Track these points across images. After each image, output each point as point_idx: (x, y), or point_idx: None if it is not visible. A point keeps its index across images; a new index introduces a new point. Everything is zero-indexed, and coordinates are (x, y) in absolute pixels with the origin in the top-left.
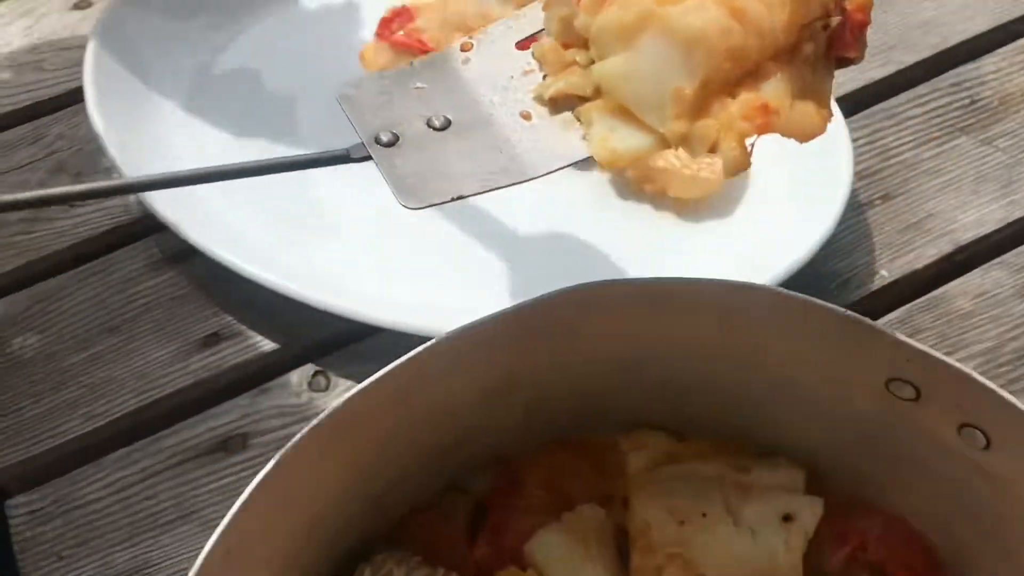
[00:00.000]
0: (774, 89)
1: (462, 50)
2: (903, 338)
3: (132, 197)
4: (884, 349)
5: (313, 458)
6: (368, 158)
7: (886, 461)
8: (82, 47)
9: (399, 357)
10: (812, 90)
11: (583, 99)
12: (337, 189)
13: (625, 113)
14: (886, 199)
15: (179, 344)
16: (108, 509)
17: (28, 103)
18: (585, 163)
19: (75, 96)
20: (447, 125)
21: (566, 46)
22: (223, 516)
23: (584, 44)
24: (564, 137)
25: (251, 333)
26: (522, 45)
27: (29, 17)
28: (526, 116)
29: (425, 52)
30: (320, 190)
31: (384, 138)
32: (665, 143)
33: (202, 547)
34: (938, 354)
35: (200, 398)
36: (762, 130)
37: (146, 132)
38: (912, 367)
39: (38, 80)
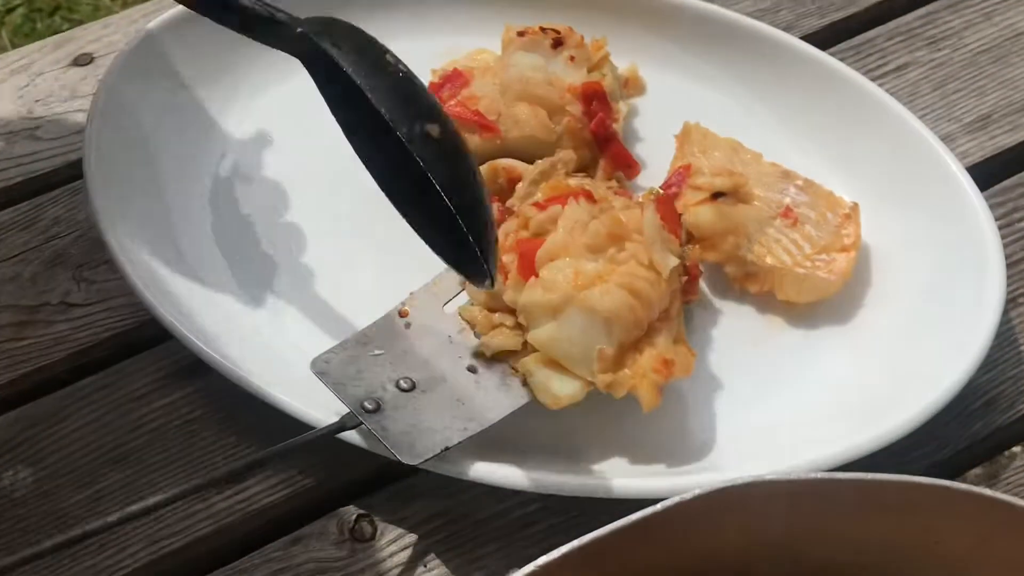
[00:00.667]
0: (664, 342)
1: (400, 316)
2: None
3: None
4: None
5: None
6: (361, 425)
7: None
8: (83, 111)
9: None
10: (679, 332)
11: (513, 352)
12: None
13: (556, 364)
14: None
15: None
16: None
17: (21, 179)
18: None
19: (75, 170)
20: (413, 386)
21: (491, 310)
22: None
23: (510, 311)
24: (506, 385)
25: (281, 468)
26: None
27: (23, 75)
28: (472, 370)
29: (483, 126)
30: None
31: (369, 406)
32: (591, 386)
33: None
34: None
35: (222, 549)
36: (667, 377)
37: (150, 223)
38: None
39: (33, 152)
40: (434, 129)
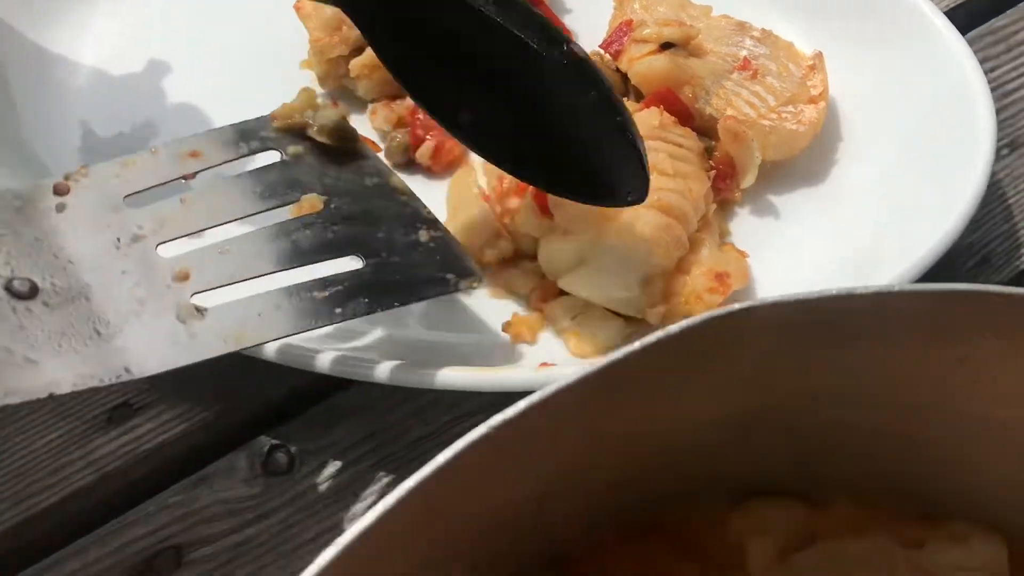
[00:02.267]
0: (710, 253)
1: (56, 192)
2: None
3: None
4: None
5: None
6: None
7: None
8: None
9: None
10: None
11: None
12: None
13: (585, 310)
14: (1014, 147)
15: (73, 424)
16: None
17: None
18: None
19: None
20: (33, 293)
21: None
22: None
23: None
24: (189, 336)
25: (175, 398)
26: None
27: None
28: (141, 302)
29: None
30: None
31: None
32: (633, 324)
33: None
34: None
35: (110, 499)
36: (724, 294)
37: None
38: None
39: None
40: (578, 49)
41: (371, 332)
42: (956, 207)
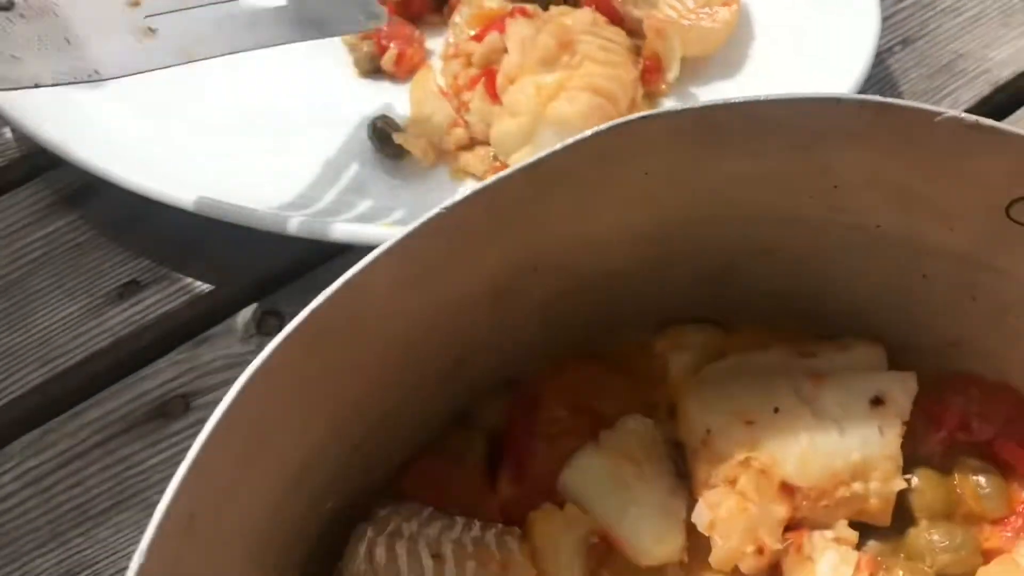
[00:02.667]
0: None
1: None
2: None
3: (8, 133)
4: (1011, 160)
5: (278, 391)
6: None
7: (987, 315)
8: None
9: None
10: None
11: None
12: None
13: None
14: (907, 43)
15: (88, 300)
16: (22, 506)
17: None
18: None
19: None
20: (10, 5)
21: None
22: None
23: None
24: (143, 46)
25: (178, 275)
26: None
27: None
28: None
29: None
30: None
31: None
32: None
33: None
34: None
35: (124, 360)
36: None
37: None
38: None
39: None
40: None
41: (337, 198)
42: (845, 81)
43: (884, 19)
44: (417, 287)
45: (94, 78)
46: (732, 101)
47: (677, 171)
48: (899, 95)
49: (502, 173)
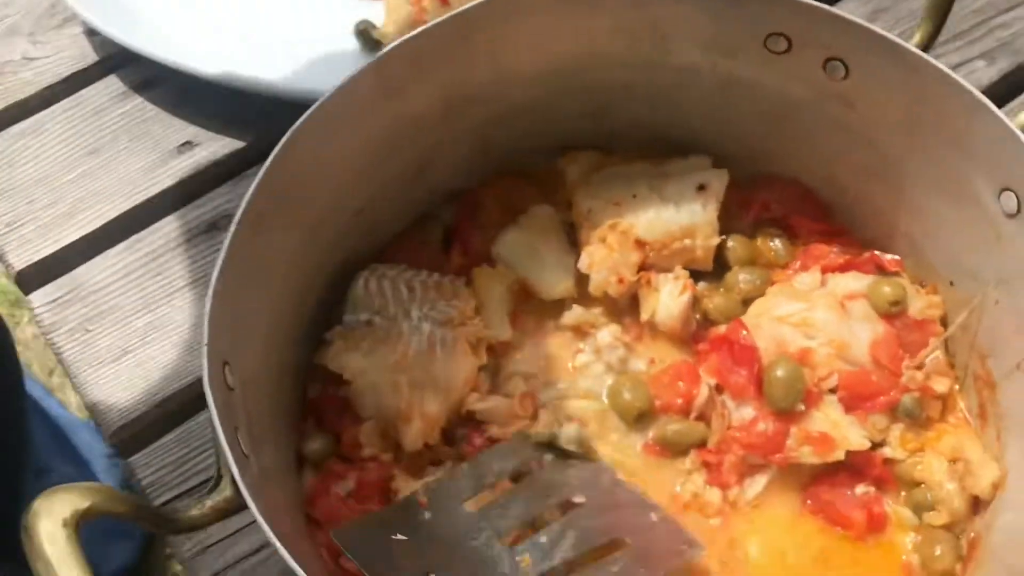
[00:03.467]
0: None
1: (419, 505)
2: None
3: (87, 44)
4: (760, 5)
5: (293, 168)
6: None
7: (773, 127)
8: None
9: None
10: None
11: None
12: None
13: None
14: None
15: (157, 155)
16: (122, 288)
17: None
18: None
19: None
20: None
21: None
22: None
23: None
24: None
25: (221, 137)
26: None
27: None
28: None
29: None
30: None
31: None
32: None
33: None
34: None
35: (185, 193)
36: None
37: None
38: (786, 17)
39: None
40: None
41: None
42: None
43: None
44: (385, 98)
45: None
46: None
47: (557, 26)
48: None
49: (435, 19)
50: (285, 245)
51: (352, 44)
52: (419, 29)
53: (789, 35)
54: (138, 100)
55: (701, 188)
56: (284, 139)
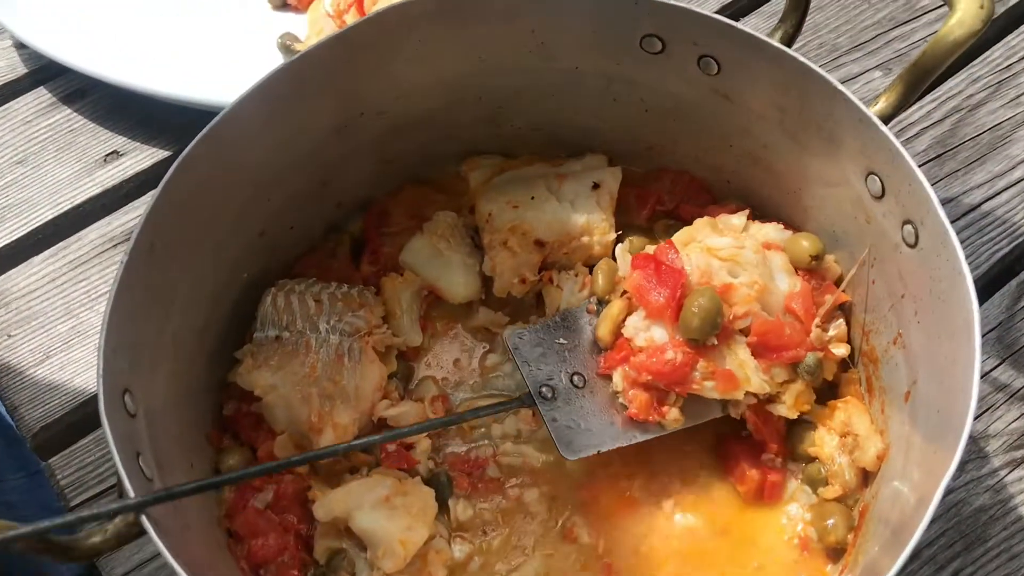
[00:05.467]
0: None
1: (588, 311)
2: None
3: (16, 56)
4: (631, 10)
5: (191, 186)
6: (535, 405)
7: (660, 123)
8: None
9: None
10: None
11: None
12: None
13: None
14: None
15: (82, 165)
16: (45, 295)
17: None
18: None
19: None
20: (584, 383)
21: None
22: None
23: None
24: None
25: (146, 146)
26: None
27: None
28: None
29: None
30: None
31: (546, 392)
32: None
33: None
34: (674, 2)
35: (109, 202)
36: None
37: None
38: (656, 20)
39: None
40: None
41: None
42: None
43: None
44: (274, 118)
45: (633, 440)
46: None
47: (440, 40)
48: None
49: (321, 38)
50: (187, 267)
51: (277, 56)
52: (300, 53)
53: (662, 36)
54: (66, 111)
55: (596, 186)
56: (171, 169)
